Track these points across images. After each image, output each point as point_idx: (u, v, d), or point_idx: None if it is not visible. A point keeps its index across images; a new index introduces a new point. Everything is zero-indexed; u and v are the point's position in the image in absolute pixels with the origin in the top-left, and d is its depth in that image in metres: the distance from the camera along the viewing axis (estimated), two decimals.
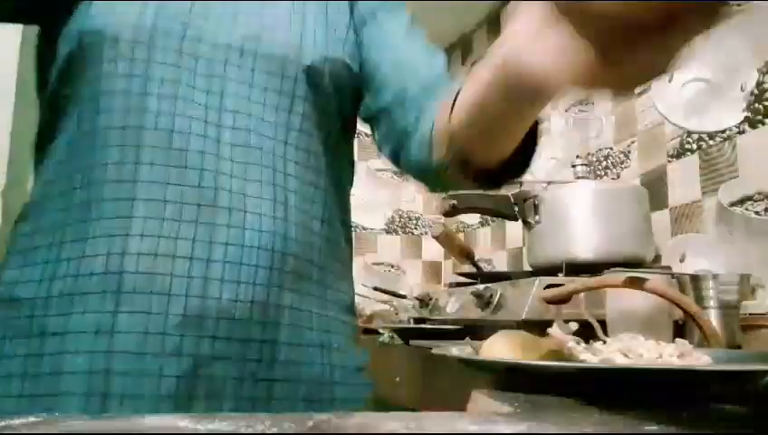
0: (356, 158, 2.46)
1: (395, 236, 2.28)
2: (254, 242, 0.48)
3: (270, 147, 0.52)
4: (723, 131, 1.10)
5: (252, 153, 0.51)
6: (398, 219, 2.30)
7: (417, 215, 2.33)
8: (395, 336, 1.14)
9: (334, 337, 0.55)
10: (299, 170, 0.54)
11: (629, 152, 1.36)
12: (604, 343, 0.54)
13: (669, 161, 1.23)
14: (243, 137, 0.50)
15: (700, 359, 0.47)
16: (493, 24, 2.10)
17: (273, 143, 0.52)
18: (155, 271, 0.45)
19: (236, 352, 0.46)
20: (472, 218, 2.10)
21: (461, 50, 2.33)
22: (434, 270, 2.30)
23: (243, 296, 0.46)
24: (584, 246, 1.09)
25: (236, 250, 0.47)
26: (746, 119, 1.05)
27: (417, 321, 1.36)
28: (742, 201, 1.05)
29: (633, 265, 0.99)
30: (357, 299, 2.10)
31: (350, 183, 0.68)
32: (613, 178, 1.40)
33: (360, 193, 2.28)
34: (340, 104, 0.63)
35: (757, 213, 1.02)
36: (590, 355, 0.45)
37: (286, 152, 0.53)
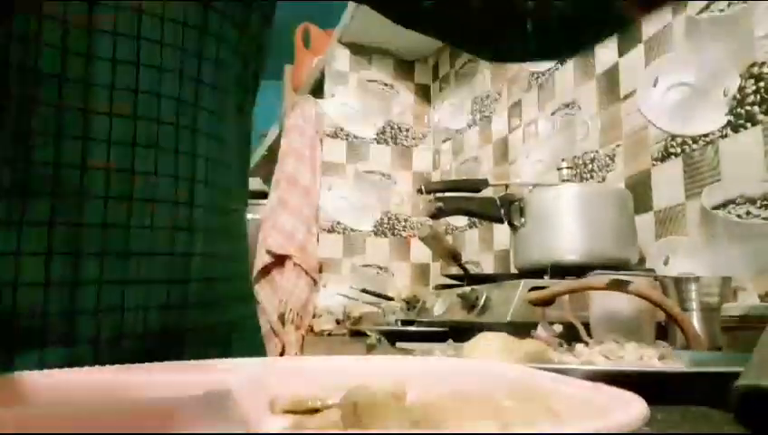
0: (345, 160, 2.47)
1: (383, 239, 2.28)
2: None
3: None
4: (706, 135, 1.12)
5: None
6: (386, 221, 2.30)
7: (405, 217, 2.33)
8: (382, 338, 1.14)
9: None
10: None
11: (614, 156, 1.37)
12: (587, 344, 0.55)
13: (654, 165, 1.24)
14: None
15: (680, 361, 0.48)
16: None
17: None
18: None
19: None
20: (460, 221, 2.11)
21: (449, 53, 2.34)
22: (422, 272, 2.31)
23: None
24: (569, 249, 1.10)
25: None
26: (729, 123, 1.07)
27: (405, 323, 1.36)
28: (724, 204, 1.06)
29: (617, 268, 1.00)
30: (345, 301, 2.10)
31: None
32: (598, 182, 1.41)
33: (348, 195, 2.29)
34: None
35: (739, 216, 1.03)
36: (572, 357, 0.46)
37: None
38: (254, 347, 0.54)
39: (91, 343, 0.40)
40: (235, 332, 0.50)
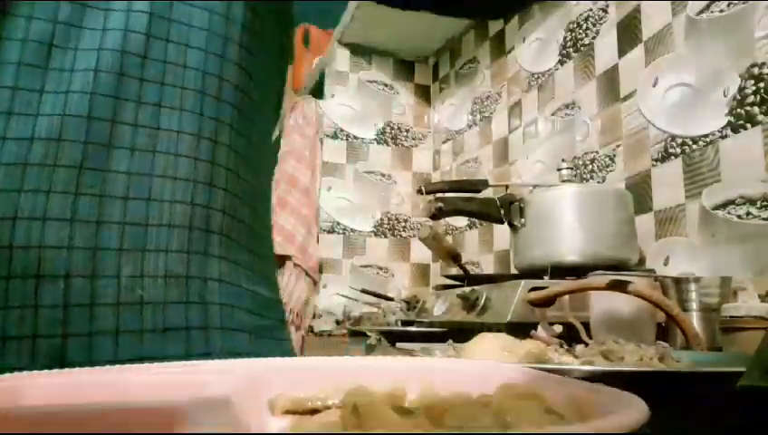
0: (345, 160, 2.46)
1: (383, 239, 2.28)
2: None
3: None
4: (706, 136, 1.12)
5: None
6: (386, 222, 2.30)
7: (405, 217, 2.33)
8: (382, 339, 1.14)
9: None
10: None
11: (614, 156, 1.37)
12: (587, 345, 0.55)
13: (654, 165, 1.24)
14: None
15: (680, 361, 0.48)
16: (480, 28, 2.11)
17: None
18: None
19: None
20: (460, 221, 2.10)
21: (449, 53, 2.34)
22: (422, 272, 2.31)
23: None
24: (569, 249, 1.10)
25: None
26: (729, 123, 1.07)
27: (405, 323, 1.36)
28: (724, 205, 1.06)
29: (617, 268, 1.00)
30: (345, 301, 2.10)
31: None
32: (598, 182, 1.41)
33: (348, 195, 2.29)
34: None
35: (739, 217, 1.03)
36: (572, 357, 0.46)
37: None
38: (280, 336, 0.55)
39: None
40: (259, 338, 0.50)
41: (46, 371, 0.27)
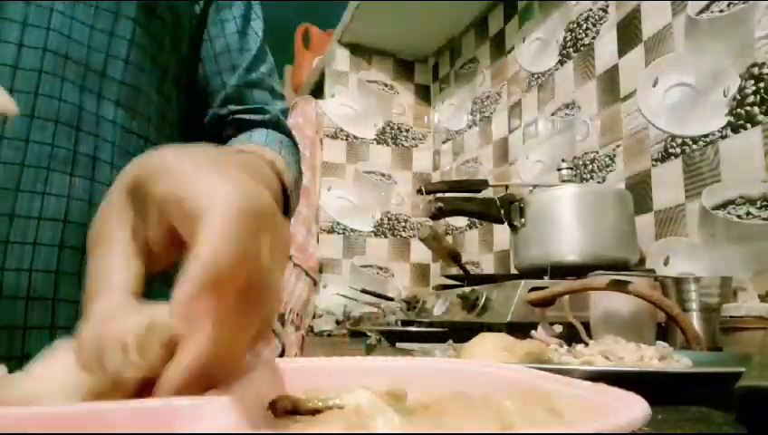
0: (345, 160, 2.47)
1: (383, 239, 2.28)
2: None
3: None
4: (706, 136, 1.12)
5: None
6: (386, 222, 2.30)
7: (405, 217, 2.33)
8: (382, 339, 1.14)
9: None
10: None
11: (614, 156, 1.37)
12: (587, 345, 0.55)
13: (653, 165, 1.24)
14: None
15: (680, 361, 0.48)
16: (480, 28, 2.11)
17: None
18: None
19: None
20: (460, 221, 2.11)
21: (449, 53, 2.34)
22: (422, 272, 2.31)
23: None
24: (569, 249, 1.10)
25: None
26: (729, 123, 1.07)
27: (405, 323, 1.36)
28: (724, 205, 1.06)
29: (617, 268, 1.00)
30: (345, 301, 2.09)
31: None
32: (598, 182, 1.41)
33: (348, 195, 2.29)
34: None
35: (739, 217, 1.03)
36: (572, 357, 0.46)
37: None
38: None
39: None
40: None
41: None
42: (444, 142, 2.33)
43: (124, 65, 0.50)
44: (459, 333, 0.86)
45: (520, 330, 0.66)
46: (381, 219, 2.30)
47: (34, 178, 0.43)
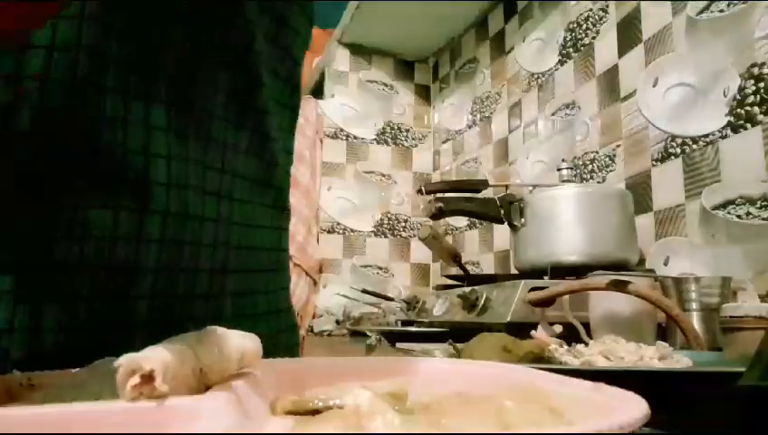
0: (345, 160, 2.46)
1: (383, 239, 2.28)
2: None
3: None
4: (706, 136, 1.12)
5: None
6: (386, 222, 2.30)
7: (405, 217, 2.33)
8: (382, 339, 1.14)
9: None
10: None
11: (614, 156, 1.37)
12: (587, 345, 0.55)
13: (654, 165, 1.24)
14: None
15: (680, 361, 0.48)
16: (480, 28, 2.11)
17: None
18: None
19: None
20: (460, 221, 2.11)
21: (449, 53, 2.34)
22: (422, 272, 2.31)
23: None
24: (569, 249, 1.10)
25: None
26: (729, 123, 1.07)
27: (405, 323, 1.36)
28: (724, 205, 1.06)
29: (617, 268, 1.00)
30: (345, 301, 2.09)
31: None
32: (599, 182, 1.41)
33: (348, 195, 2.29)
34: None
35: (739, 217, 1.03)
36: (572, 357, 0.46)
37: None
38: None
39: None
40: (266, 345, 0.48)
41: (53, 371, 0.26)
42: (444, 142, 2.33)
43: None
44: (459, 333, 0.86)
45: (520, 330, 0.66)
46: (381, 219, 2.30)
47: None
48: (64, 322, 0.37)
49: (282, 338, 0.52)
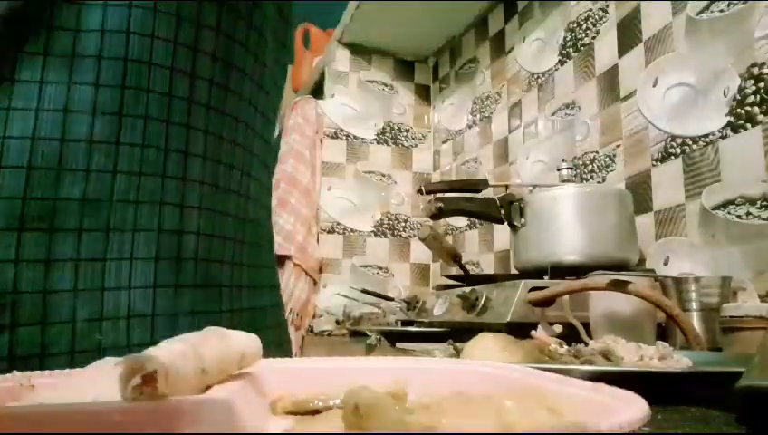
0: (345, 160, 2.46)
1: (383, 239, 2.28)
2: None
3: None
4: (706, 135, 1.12)
5: None
6: (386, 222, 2.30)
7: (405, 217, 2.33)
8: (382, 339, 1.14)
9: None
10: None
11: (614, 156, 1.37)
12: (587, 345, 0.55)
13: (654, 165, 1.24)
14: None
15: (680, 361, 0.48)
16: (480, 28, 2.11)
17: None
18: None
19: None
20: (460, 221, 2.10)
21: (449, 53, 2.34)
22: (422, 272, 2.31)
23: None
24: (569, 249, 1.10)
25: None
26: (729, 123, 1.07)
27: (405, 323, 1.36)
28: (724, 205, 1.06)
29: (617, 268, 1.00)
30: (345, 301, 2.09)
31: None
32: (599, 182, 1.41)
33: (348, 195, 2.29)
34: None
35: (739, 217, 1.03)
36: (572, 357, 0.46)
37: None
38: (278, 338, 0.54)
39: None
40: (257, 320, 0.50)
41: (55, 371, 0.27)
42: (444, 142, 2.33)
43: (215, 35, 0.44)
44: (459, 333, 0.86)
45: (520, 330, 0.66)
46: (381, 219, 2.30)
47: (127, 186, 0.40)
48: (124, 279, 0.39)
49: (281, 311, 0.55)
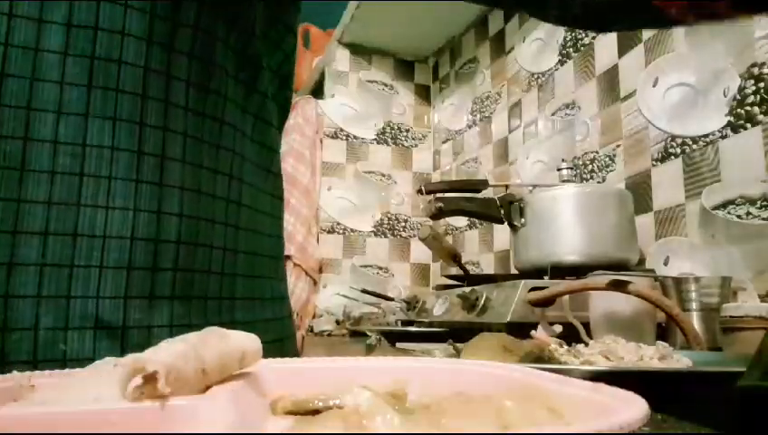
0: (345, 160, 2.47)
1: (383, 239, 2.28)
2: None
3: None
4: (706, 136, 1.12)
5: None
6: (386, 222, 2.30)
7: (405, 217, 2.33)
8: (382, 339, 1.14)
9: None
10: None
11: (614, 156, 1.37)
12: (587, 345, 0.55)
13: (654, 165, 1.24)
14: None
15: (680, 361, 0.48)
16: (480, 28, 2.11)
17: None
18: None
19: None
20: (460, 221, 2.10)
21: (449, 53, 2.34)
22: (422, 272, 2.31)
23: None
24: (569, 249, 1.10)
25: None
26: (729, 123, 1.07)
27: (405, 323, 1.36)
28: (724, 205, 1.06)
29: (617, 268, 1.00)
30: (345, 301, 2.09)
31: None
32: (599, 182, 1.41)
33: (348, 195, 2.29)
34: None
35: (739, 217, 1.03)
36: (572, 357, 0.46)
37: None
38: (281, 353, 0.53)
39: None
40: (269, 331, 0.49)
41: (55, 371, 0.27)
42: (444, 142, 2.33)
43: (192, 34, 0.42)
44: (459, 333, 0.86)
45: (520, 330, 0.66)
46: (381, 219, 2.30)
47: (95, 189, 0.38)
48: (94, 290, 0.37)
49: (286, 324, 0.53)
